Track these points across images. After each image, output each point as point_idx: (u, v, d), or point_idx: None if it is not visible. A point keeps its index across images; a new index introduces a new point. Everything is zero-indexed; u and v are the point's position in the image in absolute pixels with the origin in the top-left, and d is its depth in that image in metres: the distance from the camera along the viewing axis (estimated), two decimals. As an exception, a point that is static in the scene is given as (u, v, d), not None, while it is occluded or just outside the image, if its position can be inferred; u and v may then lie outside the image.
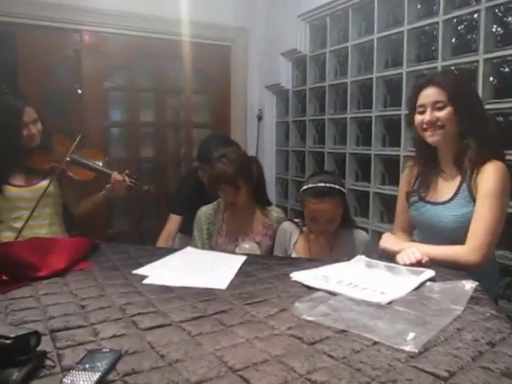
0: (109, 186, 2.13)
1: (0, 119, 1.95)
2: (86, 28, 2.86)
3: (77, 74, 2.89)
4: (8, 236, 1.94)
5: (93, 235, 1.95)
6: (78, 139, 2.09)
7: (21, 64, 2.75)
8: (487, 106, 1.87)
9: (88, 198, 2.20)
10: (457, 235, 1.40)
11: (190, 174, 2.60)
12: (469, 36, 2.22)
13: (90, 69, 2.90)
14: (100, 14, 2.82)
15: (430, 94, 1.44)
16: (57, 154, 2.07)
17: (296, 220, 1.92)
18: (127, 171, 2.17)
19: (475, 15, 2.03)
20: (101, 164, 2.18)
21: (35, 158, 2.02)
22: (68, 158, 2.06)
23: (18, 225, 1.97)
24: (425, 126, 1.46)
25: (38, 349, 0.80)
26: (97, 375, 0.73)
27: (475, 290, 1.13)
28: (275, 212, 2.04)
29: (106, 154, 2.30)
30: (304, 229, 1.85)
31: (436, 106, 1.42)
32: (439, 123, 1.43)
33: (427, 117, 1.44)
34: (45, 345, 0.83)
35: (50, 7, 2.67)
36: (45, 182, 2.03)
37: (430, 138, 1.46)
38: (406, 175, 1.65)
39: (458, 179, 1.45)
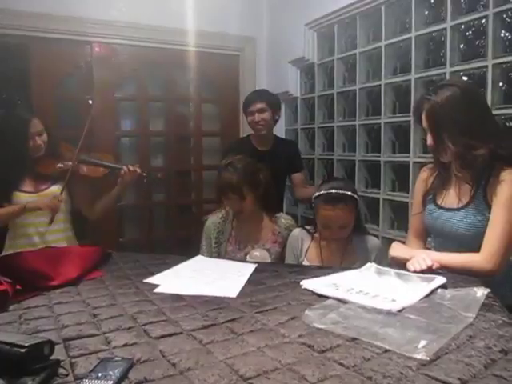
0: (121, 179, 2.16)
1: (9, 130, 1.98)
2: (96, 39, 2.91)
3: (88, 84, 2.93)
4: (24, 243, 1.99)
5: (104, 244, 1.96)
6: (84, 132, 2.10)
7: (33, 75, 2.80)
8: (496, 112, 1.87)
9: (101, 200, 2.23)
10: (471, 242, 1.39)
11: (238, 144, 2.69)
12: (477, 41, 2.22)
13: (100, 79, 2.95)
14: (110, 25, 2.87)
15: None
16: (65, 159, 2.10)
17: (307, 227, 1.92)
18: (137, 164, 2.22)
19: (483, 21, 2.03)
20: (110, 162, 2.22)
21: (44, 164, 2.05)
22: (79, 158, 2.09)
23: (31, 231, 2.00)
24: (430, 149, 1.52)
25: (51, 357, 0.81)
26: (109, 383, 0.73)
27: (487, 296, 1.12)
28: (284, 219, 2.04)
29: (113, 155, 2.34)
30: (315, 235, 1.85)
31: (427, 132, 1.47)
32: (433, 150, 1.48)
33: (428, 141, 1.48)
34: (58, 353, 0.84)
35: (61, 20, 2.72)
36: (55, 187, 2.06)
37: (440, 158, 1.50)
38: (424, 176, 1.64)
39: (473, 186, 1.44)
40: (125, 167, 2.16)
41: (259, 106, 2.54)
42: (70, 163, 2.06)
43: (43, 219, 2.00)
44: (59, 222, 2.07)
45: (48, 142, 2.05)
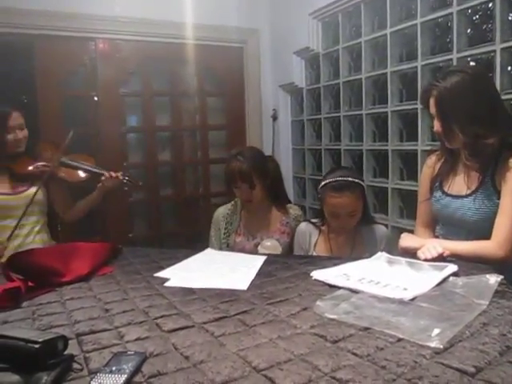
0: (100, 184, 2.11)
1: None
2: (100, 36, 2.90)
3: (93, 81, 2.94)
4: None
5: (114, 240, 1.97)
6: (70, 136, 2.04)
7: (39, 73, 2.81)
8: (505, 97, 1.84)
9: (78, 203, 2.17)
10: (480, 228, 1.38)
11: None
12: (484, 26, 2.18)
13: (105, 76, 2.95)
14: (113, 21, 2.86)
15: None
16: (44, 159, 2.04)
17: (314, 220, 1.91)
18: (121, 172, 2.17)
19: (490, 4, 1.99)
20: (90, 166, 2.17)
21: (22, 164, 1.99)
22: (59, 160, 2.03)
23: (5, 234, 1.88)
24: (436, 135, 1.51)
25: (65, 353, 0.81)
26: (123, 377, 0.74)
27: (500, 283, 1.11)
28: (292, 210, 2.04)
29: (94, 158, 2.26)
30: (323, 228, 1.85)
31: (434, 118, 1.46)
32: (440, 137, 1.47)
33: (435, 127, 1.47)
34: (72, 348, 0.85)
35: (65, 17, 2.72)
36: (33, 189, 1.98)
37: (446, 144, 1.49)
38: (430, 162, 1.63)
39: (481, 172, 1.43)
40: (106, 173, 2.10)
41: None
42: (50, 164, 2.00)
43: (22, 221, 1.91)
44: (32, 224, 2.00)
45: (28, 139, 1.99)
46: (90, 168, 2.14)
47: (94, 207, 2.23)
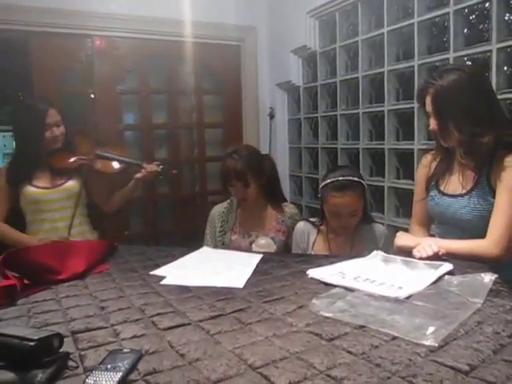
0: (138, 174, 2.17)
1: (24, 121, 1.99)
2: (97, 33, 2.89)
3: (89, 78, 2.93)
4: (41, 238, 1.95)
5: (110, 237, 1.97)
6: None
7: (35, 70, 2.80)
8: (501, 96, 1.85)
9: (116, 193, 2.24)
10: (475, 227, 1.39)
11: None
12: (481, 25, 2.19)
13: (102, 73, 2.94)
14: (110, 18, 2.85)
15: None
16: (81, 153, 2.10)
17: (312, 219, 1.91)
18: (156, 162, 2.23)
19: (487, 4, 2.00)
20: (125, 156, 2.22)
21: (60, 158, 2.05)
22: (96, 153, 2.10)
23: (47, 226, 2.00)
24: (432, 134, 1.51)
25: (60, 350, 0.81)
26: (119, 375, 0.74)
27: (494, 282, 1.12)
28: (288, 208, 2.04)
29: (126, 149, 2.34)
30: (322, 228, 1.84)
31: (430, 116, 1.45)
32: (436, 135, 1.46)
33: (430, 126, 1.46)
34: (67, 346, 0.85)
35: (62, 14, 2.71)
36: (71, 182, 2.06)
37: (442, 142, 1.48)
38: (426, 161, 1.63)
39: (477, 171, 1.43)
40: (145, 165, 2.16)
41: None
42: (86, 158, 2.07)
43: (58, 214, 2.01)
44: (79, 216, 2.08)
45: (65, 135, 2.06)
46: (125, 159, 2.19)
47: (131, 197, 2.30)
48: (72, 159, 2.07)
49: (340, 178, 1.69)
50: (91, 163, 2.08)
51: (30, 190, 1.99)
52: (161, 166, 2.22)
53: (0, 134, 5.58)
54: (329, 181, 1.72)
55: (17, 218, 2.02)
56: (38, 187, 2.01)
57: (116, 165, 2.16)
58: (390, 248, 1.55)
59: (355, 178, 1.70)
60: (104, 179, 2.18)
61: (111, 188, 2.25)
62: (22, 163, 2.01)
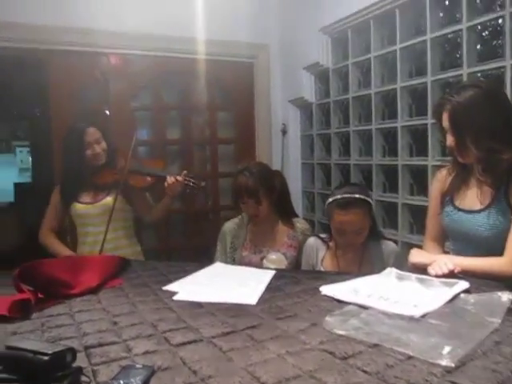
0: (167, 188, 2.15)
1: (66, 141, 2.10)
2: (112, 51, 2.95)
3: (105, 95, 2.98)
4: (85, 251, 2.10)
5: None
6: (132, 143, 2.12)
7: (52, 88, 2.86)
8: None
9: (156, 206, 2.27)
10: (493, 244, 1.36)
11: None
12: (494, 42, 2.18)
13: (117, 90, 2.99)
14: (125, 36, 2.90)
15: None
16: (120, 168, 2.14)
17: (322, 235, 1.90)
18: (185, 172, 2.16)
19: (500, 20, 2.00)
20: (160, 170, 2.22)
21: (102, 175, 2.13)
22: (128, 167, 2.10)
23: (90, 240, 2.11)
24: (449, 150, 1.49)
25: (73, 365, 0.81)
26: (131, 391, 0.73)
27: (512, 301, 1.09)
28: (299, 223, 2.04)
29: (164, 162, 2.38)
30: (331, 244, 1.83)
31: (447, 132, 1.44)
32: (453, 151, 1.44)
33: (447, 142, 1.45)
34: (80, 361, 0.85)
35: (77, 33, 2.77)
36: (108, 198, 2.12)
37: (459, 159, 1.47)
38: (441, 176, 1.61)
39: (494, 187, 1.42)
40: (168, 177, 2.10)
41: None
42: (119, 173, 2.10)
43: (99, 229, 2.06)
44: (117, 230, 2.13)
45: (108, 151, 2.12)
46: (153, 172, 2.19)
47: (168, 209, 2.31)
48: (109, 175, 2.12)
49: (345, 196, 1.68)
50: (124, 178, 2.09)
51: (76, 205, 2.12)
52: (187, 179, 2.12)
53: (17, 150, 5.68)
54: (334, 198, 1.71)
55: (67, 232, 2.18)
56: (82, 203, 2.12)
57: (148, 178, 2.18)
58: (403, 265, 1.53)
59: (360, 196, 1.69)
60: (139, 193, 2.21)
61: (151, 200, 2.29)
62: (69, 181, 2.13)
